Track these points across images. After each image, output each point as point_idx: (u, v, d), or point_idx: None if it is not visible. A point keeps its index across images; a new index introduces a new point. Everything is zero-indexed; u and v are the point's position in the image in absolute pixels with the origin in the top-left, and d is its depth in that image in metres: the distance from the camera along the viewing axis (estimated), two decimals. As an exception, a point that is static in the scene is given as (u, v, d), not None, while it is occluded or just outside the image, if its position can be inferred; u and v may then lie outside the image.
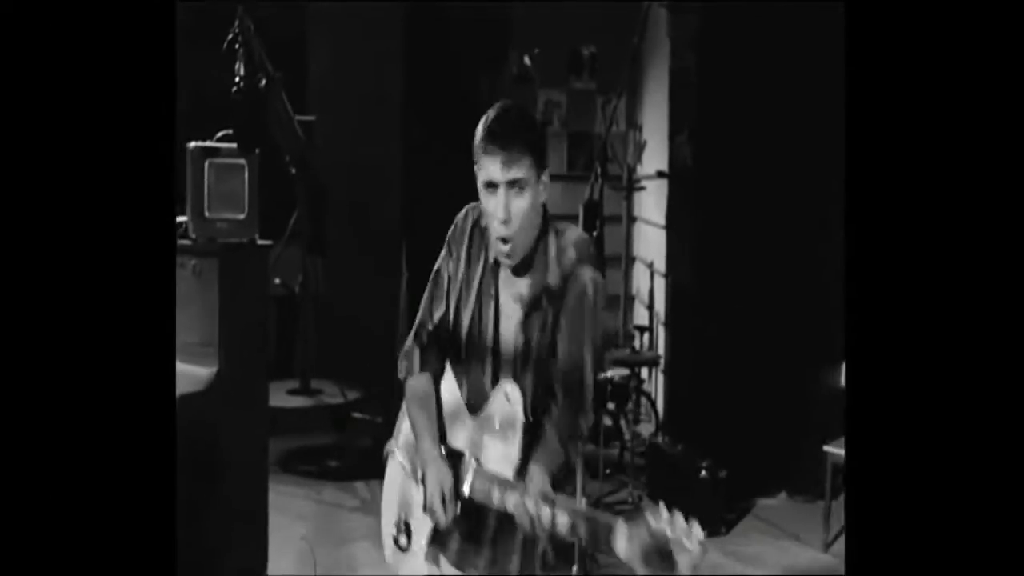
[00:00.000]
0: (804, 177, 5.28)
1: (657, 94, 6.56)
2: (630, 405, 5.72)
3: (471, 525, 2.25)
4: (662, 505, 1.87)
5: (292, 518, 4.84)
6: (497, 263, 2.25)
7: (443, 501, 2.18)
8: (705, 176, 5.61)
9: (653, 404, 6.26)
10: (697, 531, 1.83)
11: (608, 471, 5.41)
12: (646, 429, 6.10)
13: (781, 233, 5.33)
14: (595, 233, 5.72)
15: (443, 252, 2.39)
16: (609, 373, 5.16)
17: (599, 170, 5.68)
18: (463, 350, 2.29)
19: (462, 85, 7.72)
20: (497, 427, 2.16)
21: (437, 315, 2.35)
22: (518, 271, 2.24)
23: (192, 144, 3.79)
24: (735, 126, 5.38)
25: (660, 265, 6.29)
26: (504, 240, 2.17)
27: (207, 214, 3.88)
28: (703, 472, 4.83)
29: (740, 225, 5.42)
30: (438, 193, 7.61)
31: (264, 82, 3.56)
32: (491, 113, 2.19)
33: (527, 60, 7.41)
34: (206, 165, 3.88)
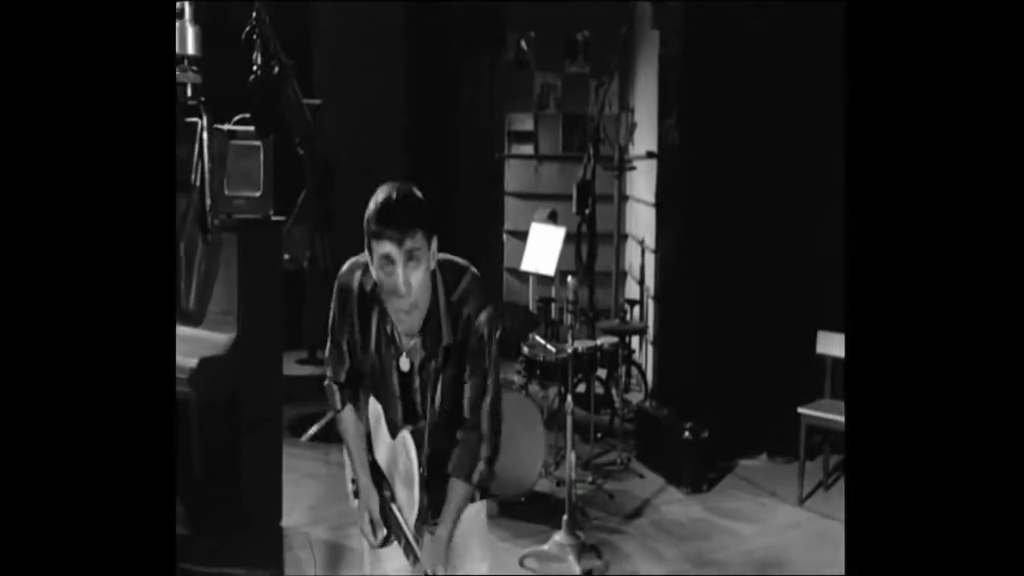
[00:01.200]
0: (785, 156, 5.57)
1: (647, 79, 6.83)
2: (620, 373, 6.03)
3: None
4: None
5: (303, 476, 5.17)
6: (393, 332, 2.40)
7: (371, 525, 2.52)
8: (691, 157, 5.91)
9: (643, 373, 6.58)
10: None
11: (599, 435, 5.73)
12: (636, 398, 6.42)
13: (763, 211, 5.63)
14: (587, 211, 6.04)
15: (333, 314, 2.51)
16: (599, 341, 5.47)
17: (591, 151, 5.98)
18: (382, 409, 2.52)
19: (461, 69, 8.02)
20: (402, 473, 2.46)
21: (343, 369, 2.55)
22: (415, 330, 2.37)
23: (213, 127, 4.09)
24: (719, 110, 5.68)
25: (651, 242, 6.58)
26: (406, 311, 2.29)
27: (226, 192, 4.20)
28: (686, 433, 5.15)
29: (724, 203, 5.72)
30: (438, 169, 7.96)
31: (277, 69, 3.87)
32: (380, 196, 2.26)
33: (523, 45, 7.70)
34: (227, 146, 4.19)
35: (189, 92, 2.02)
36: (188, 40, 1.97)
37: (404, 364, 2.42)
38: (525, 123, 7.85)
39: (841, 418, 4.84)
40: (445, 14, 7.55)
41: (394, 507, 2.50)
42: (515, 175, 7.87)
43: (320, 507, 4.87)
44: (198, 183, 2.08)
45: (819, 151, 5.36)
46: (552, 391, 5.62)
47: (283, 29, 4.80)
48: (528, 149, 7.84)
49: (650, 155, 6.49)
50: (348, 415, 2.59)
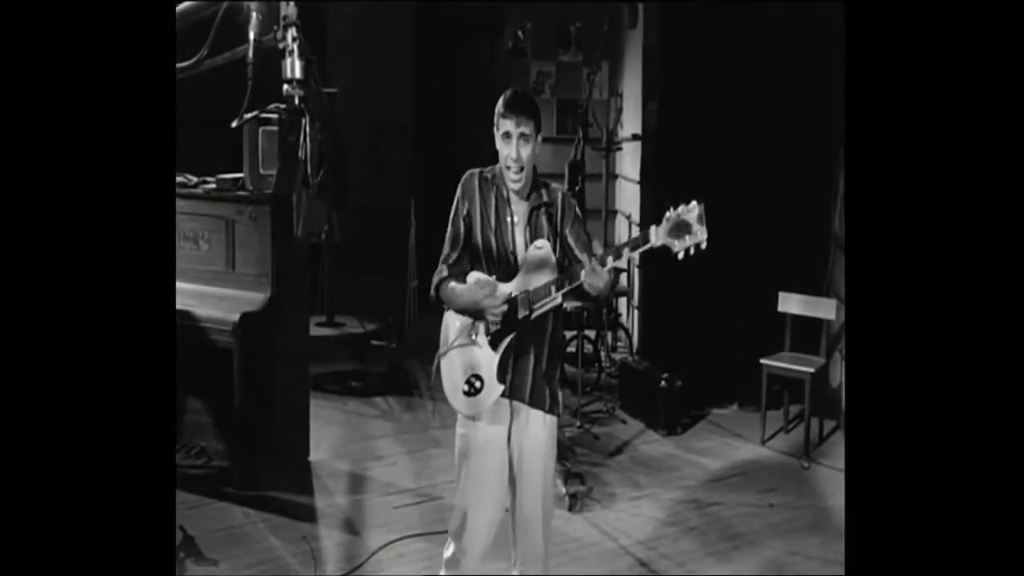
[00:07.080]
0: (752, 136, 6.22)
1: (633, 67, 7.47)
2: (606, 333, 6.69)
3: (519, 367, 3.27)
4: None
5: (325, 422, 5.85)
6: (508, 196, 3.27)
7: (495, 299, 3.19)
8: (670, 138, 6.56)
9: (629, 335, 7.24)
10: (693, 205, 3.00)
11: (588, 389, 6.39)
12: (623, 357, 7.08)
13: (733, 186, 6.27)
14: (577, 188, 6.69)
15: (456, 204, 3.33)
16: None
17: (581, 133, 6.62)
18: (493, 249, 3.29)
19: (463, 58, 8.67)
20: (536, 266, 3.23)
21: (457, 248, 3.37)
22: (522, 194, 3.26)
23: (248, 115, 4.73)
24: (694, 95, 6.33)
25: (636, 216, 7.22)
26: (517, 173, 3.20)
27: (261, 171, 4.87)
28: (662, 382, 5.82)
29: (700, 181, 6.36)
30: (442, 151, 8.61)
31: (305, 63, 4.57)
32: (508, 93, 3.22)
33: (520, 35, 8.34)
34: (259, 132, 4.86)
35: (296, 101, 2.75)
36: (296, 69, 2.69)
37: (516, 213, 3.28)
38: (522, 107, 8.48)
39: (796, 367, 5.51)
40: (449, 9, 8.21)
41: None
42: (513, 155, 8.50)
43: (341, 446, 5.55)
44: (302, 157, 2.83)
45: (781, 133, 6.05)
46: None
47: (303, 25, 5.46)
48: (525, 131, 8.47)
49: (635, 137, 7.12)
50: (452, 283, 3.32)
